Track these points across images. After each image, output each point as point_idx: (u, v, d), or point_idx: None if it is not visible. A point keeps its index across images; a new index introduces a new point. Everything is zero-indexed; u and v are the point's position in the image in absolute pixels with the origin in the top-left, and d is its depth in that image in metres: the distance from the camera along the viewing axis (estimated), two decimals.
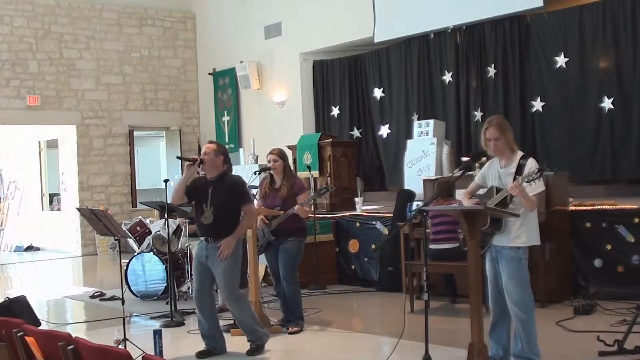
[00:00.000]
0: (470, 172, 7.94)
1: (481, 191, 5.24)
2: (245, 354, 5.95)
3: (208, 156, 5.89)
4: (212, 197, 5.84)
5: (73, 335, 3.69)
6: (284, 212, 6.59)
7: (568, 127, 9.61)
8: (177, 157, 6.77)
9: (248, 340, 6.02)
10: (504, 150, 5.02)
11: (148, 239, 9.05)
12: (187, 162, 6.00)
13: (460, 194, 7.50)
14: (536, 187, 4.84)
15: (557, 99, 9.71)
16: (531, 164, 4.89)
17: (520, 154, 5.03)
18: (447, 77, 10.87)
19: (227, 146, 14.19)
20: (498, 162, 5.10)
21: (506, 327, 5.10)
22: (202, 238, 5.98)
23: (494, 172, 5.09)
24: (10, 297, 7.03)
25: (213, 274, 5.92)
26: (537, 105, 9.84)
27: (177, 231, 8.97)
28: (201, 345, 5.98)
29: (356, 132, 12.41)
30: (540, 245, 5.12)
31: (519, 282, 4.91)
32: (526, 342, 4.95)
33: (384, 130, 11.87)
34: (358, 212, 9.62)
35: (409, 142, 10.24)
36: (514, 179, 4.85)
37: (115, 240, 6.41)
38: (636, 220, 7.23)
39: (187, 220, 8.74)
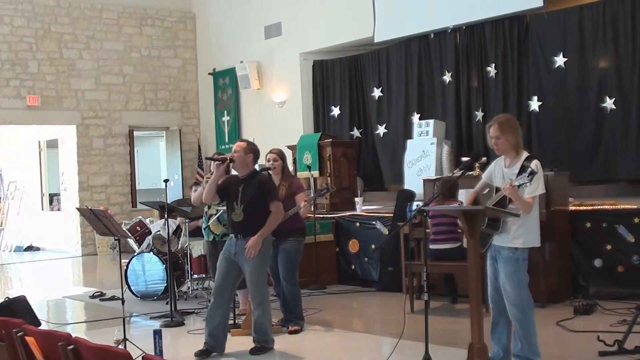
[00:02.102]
0: (470, 172, 7.96)
1: (486, 190, 5.22)
2: (247, 353, 5.93)
3: (238, 154, 5.94)
4: (242, 195, 5.88)
5: (73, 335, 3.68)
6: (285, 212, 6.58)
7: (568, 127, 9.60)
8: (206, 158, 6.77)
9: (254, 341, 6.00)
10: (507, 149, 5.00)
11: (148, 239, 9.05)
12: (217, 162, 6.03)
13: (463, 193, 7.52)
14: (535, 189, 4.83)
15: (556, 99, 9.71)
16: (532, 167, 4.81)
17: (525, 155, 4.98)
18: (447, 77, 10.86)
19: (226, 147, 14.38)
20: (503, 161, 5.08)
21: (506, 328, 5.09)
22: (231, 235, 6.01)
23: (499, 171, 5.07)
24: (10, 297, 7.03)
25: (238, 272, 5.95)
26: (537, 105, 9.83)
27: (177, 231, 8.97)
28: (202, 346, 5.96)
29: (356, 132, 12.41)
30: (540, 245, 5.10)
31: (516, 283, 4.89)
32: (525, 342, 4.94)
33: (384, 130, 11.87)
34: (358, 212, 9.61)
35: (409, 142, 10.24)
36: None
37: (115, 240, 6.41)
38: (636, 220, 7.22)
39: (187, 220, 8.74)
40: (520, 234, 4.88)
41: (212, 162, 6.17)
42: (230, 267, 5.95)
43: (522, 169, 4.82)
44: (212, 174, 6.22)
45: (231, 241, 6.00)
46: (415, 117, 11.11)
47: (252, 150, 6.04)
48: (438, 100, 11.05)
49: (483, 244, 4.98)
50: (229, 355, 5.96)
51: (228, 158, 6.00)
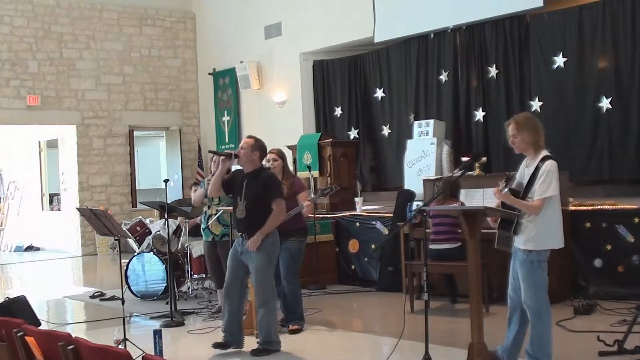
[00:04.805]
0: (470, 172, 7.96)
1: None
2: (249, 353, 5.92)
3: (244, 151, 5.92)
4: (246, 191, 5.86)
5: (73, 335, 3.68)
6: (287, 212, 6.58)
7: (567, 127, 9.60)
8: (209, 151, 6.80)
9: (257, 342, 5.98)
10: (525, 148, 4.96)
11: (148, 239, 9.05)
12: (222, 157, 6.06)
13: (464, 193, 7.51)
14: (544, 191, 4.77)
15: (556, 99, 9.70)
16: (546, 167, 4.80)
17: (542, 154, 4.92)
18: (447, 77, 10.86)
19: (226, 146, 14.39)
20: (526, 161, 5.05)
21: (516, 327, 5.04)
22: (239, 234, 5.97)
23: (522, 170, 5.04)
24: (10, 297, 7.02)
25: (246, 269, 5.93)
26: (537, 105, 9.83)
27: (177, 231, 8.97)
28: (202, 346, 5.98)
29: (353, 133, 12.39)
30: (562, 246, 4.95)
31: (531, 285, 4.82)
32: (537, 343, 4.90)
33: (385, 131, 11.87)
34: (358, 212, 9.61)
35: (409, 142, 10.23)
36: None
37: (115, 240, 6.41)
38: (636, 220, 7.22)
39: (187, 220, 8.74)
40: (533, 236, 4.80)
41: (217, 157, 6.18)
42: (238, 265, 5.95)
43: (536, 170, 4.81)
44: (212, 174, 6.22)
45: (238, 240, 5.99)
46: (412, 117, 11.11)
47: (259, 147, 6.02)
48: (438, 101, 11.05)
49: (508, 244, 4.91)
50: (229, 355, 5.96)
51: (233, 154, 6.00)
